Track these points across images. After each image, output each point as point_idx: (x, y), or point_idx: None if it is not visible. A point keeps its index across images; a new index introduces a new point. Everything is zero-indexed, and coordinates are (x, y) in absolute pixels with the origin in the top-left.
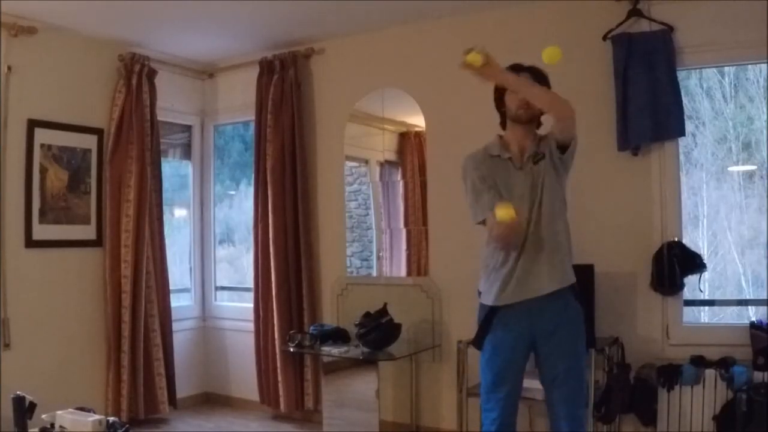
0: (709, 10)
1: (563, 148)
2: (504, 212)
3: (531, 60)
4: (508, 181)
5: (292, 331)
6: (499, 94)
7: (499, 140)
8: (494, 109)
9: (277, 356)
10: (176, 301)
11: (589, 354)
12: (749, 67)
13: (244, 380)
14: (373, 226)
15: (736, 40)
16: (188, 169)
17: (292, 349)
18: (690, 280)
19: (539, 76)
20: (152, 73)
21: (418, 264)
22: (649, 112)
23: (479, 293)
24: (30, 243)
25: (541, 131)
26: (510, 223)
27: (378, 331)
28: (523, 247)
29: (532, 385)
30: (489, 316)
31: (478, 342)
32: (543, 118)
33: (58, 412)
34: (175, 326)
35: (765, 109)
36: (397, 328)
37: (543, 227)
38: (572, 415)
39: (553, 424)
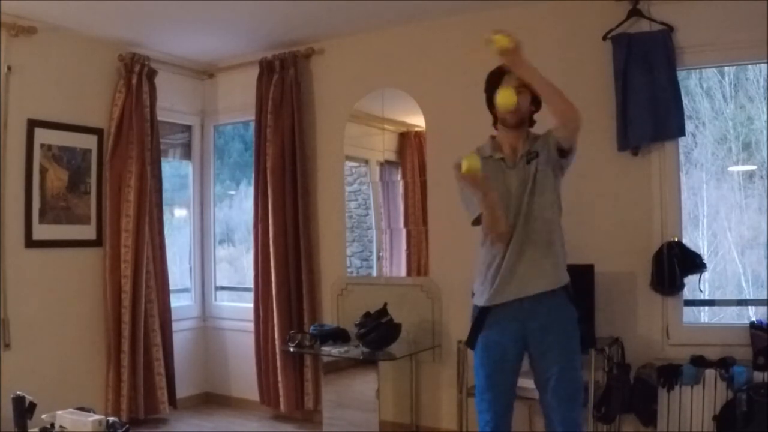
0: (709, 10)
1: (563, 152)
2: (467, 164)
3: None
4: (502, 180)
5: (292, 331)
6: (490, 95)
7: (492, 141)
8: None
9: (277, 356)
10: (176, 301)
11: (589, 354)
12: (749, 67)
13: (244, 380)
14: (373, 226)
15: (736, 40)
16: (188, 169)
17: (292, 349)
18: (690, 280)
19: None
20: (152, 73)
21: (418, 264)
22: (649, 112)
23: (473, 294)
24: (30, 243)
25: (536, 130)
26: (475, 174)
27: (378, 331)
28: (515, 246)
29: (531, 385)
30: (482, 316)
31: (470, 342)
32: (537, 116)
33: (58, 412)
34: (175, 326)
35: (765, 109)
36: (397, 328)
37: (535, 226)
38: (567, 416)
39: (548, 425)
